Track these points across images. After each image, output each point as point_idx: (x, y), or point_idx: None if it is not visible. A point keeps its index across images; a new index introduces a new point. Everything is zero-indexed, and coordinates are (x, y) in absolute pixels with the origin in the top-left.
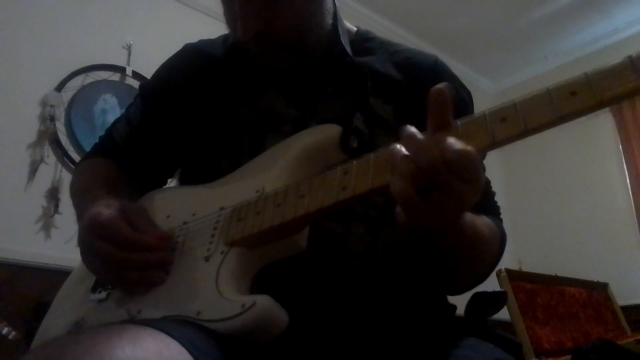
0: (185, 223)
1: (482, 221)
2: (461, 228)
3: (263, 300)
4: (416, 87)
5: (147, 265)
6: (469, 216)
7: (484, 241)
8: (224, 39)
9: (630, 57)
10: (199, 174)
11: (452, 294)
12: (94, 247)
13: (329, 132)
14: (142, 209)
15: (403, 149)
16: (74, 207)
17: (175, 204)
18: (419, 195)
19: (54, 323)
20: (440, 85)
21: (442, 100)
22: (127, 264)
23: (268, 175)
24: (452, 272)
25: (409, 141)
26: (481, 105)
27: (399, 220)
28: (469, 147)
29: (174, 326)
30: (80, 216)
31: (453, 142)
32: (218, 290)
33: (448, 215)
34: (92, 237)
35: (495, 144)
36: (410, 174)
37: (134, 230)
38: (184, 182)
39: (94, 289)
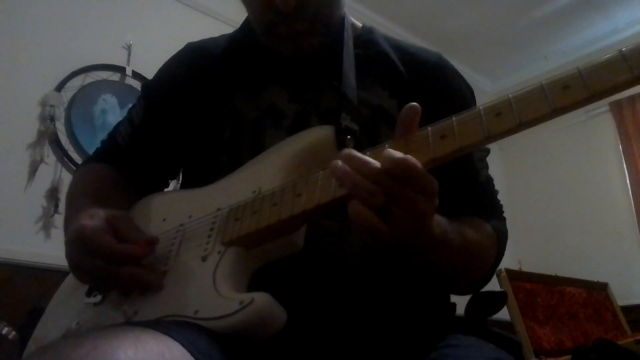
0: (181, 225)
1: (474, 229)
2: (445, 242)
3: (261, 297)
4: (420, 84)
5: (135, 278)
6: (457, 227)
7: (476, 250)
8: (226, 37)
9: (621, 50)
10: (200, 171)
11: (453, 294)
12: (81, 262)
13: (325, 132)
14: (127, 216)
15: (347, 168)
16: None
17: (172, 207)
18: (376, 213)
19: (48, 328)
20: (413, 104)
21: (414, 115)
22: (116, 278)
23: (264, 176)
24: (447, 280)
25: (349, 160)
26: None
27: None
28: (408, 156)
29: (176, 328)
30: (65, 226)
31: (390, 152)
32: (215, 289)
33: (409, 227)
34: (78, 252)
35: (491, 138)
36: (366, 194)
37: (120, 240)
38: (185, 180)
39: (89, 293)
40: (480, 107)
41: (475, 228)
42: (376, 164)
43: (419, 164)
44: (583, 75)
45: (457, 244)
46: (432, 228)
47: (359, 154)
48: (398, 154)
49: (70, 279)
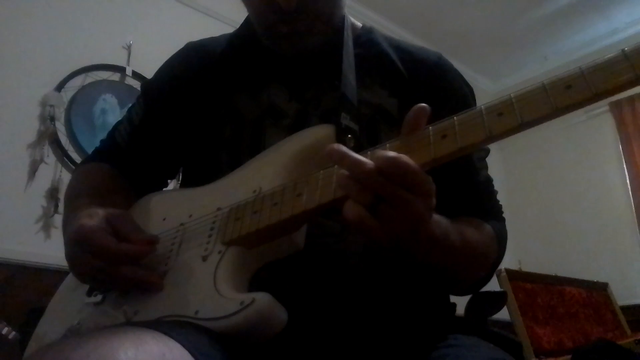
0: (182, 224)
1: (475, 229)
2: (446, 242)
3: (262, 298)
4: (420, 83)
5: (135, 278)
6: (458, 228)
7: (477, 250)
8: (227, 37)
9: (623, 50)
10: (199, 170)
11: (453, 295)
12: (81, 263)
13: (325, 131)
14: (126, 215)
15: (342, 170)
16: None
17: (172, 206)
18: (370, 212)
19: (49, 328)
20: (424, 105)
21: (423, 116)
22: (116, 278)
23: (265, 176)
24: (448, 281)
25: (342, 159)
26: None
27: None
28: (402, 155)
29: (176, 328)
30: (64, 225)
31: (385, 152)
32: (216, 289)
33: (404, 228)
34: (77, 252)
35: (493, 138)
36: (355, 192)
37: (120, 239)
38: (185, 179)
39: (89, 293)
40: (482, 107)
41: (475, 228)
42: (369, 163)
43: (412, 162)
44: (585, 75)
45: (458, 244)
46: (431, 228)
47: (352, 154)
48: (391, 153)
49: (70, 278)
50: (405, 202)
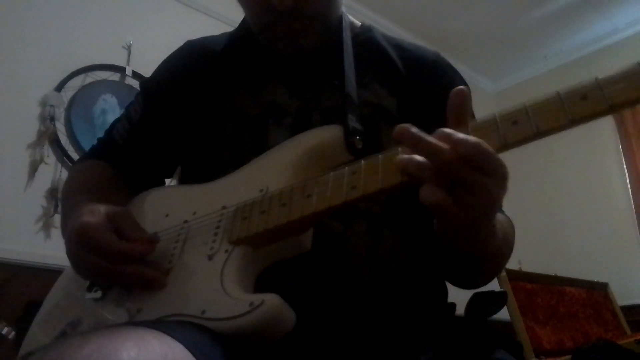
0: (185, 222)
1: (503, 219)
2: (495, 229)
3: (272, 299)
4: (419, 82)
5: (138, 275)
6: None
7: (508, 240)
8: (226, 35)
9: (639, 63)
10: (200, 168)
11: (466, 288)
12: (84, 260)
13: (333, 132)
14: (127, 212)
15: (417, 157)
16: None
17: (175, 203)
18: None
19: (47, 323)
20: (461, 87)
21: (463, 99)
22: (119, 275)
23: (272, 175)
24: (479, 271)
25: (418, 143)
26: (481, 105)
27: (435, 229)
28: (480, 140)
29: (179, 328)
30: (62, 222)
31: (463, 137)
32: (223, 289)
33: (480, 213)
34: (79, 250)
35: (507, 146)
36: (434, 177)
37: (121, 236)
38: (184, 178)
39: (89, 288)
40: (496, 114)
41: (503, 218)
42: (449, 149)
43: (490, 146)
44: (602, 87)
45: (498, 232)
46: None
47: (428, 137)
48: (472, 138)
49: (68, 273)
50: (484, 187)
